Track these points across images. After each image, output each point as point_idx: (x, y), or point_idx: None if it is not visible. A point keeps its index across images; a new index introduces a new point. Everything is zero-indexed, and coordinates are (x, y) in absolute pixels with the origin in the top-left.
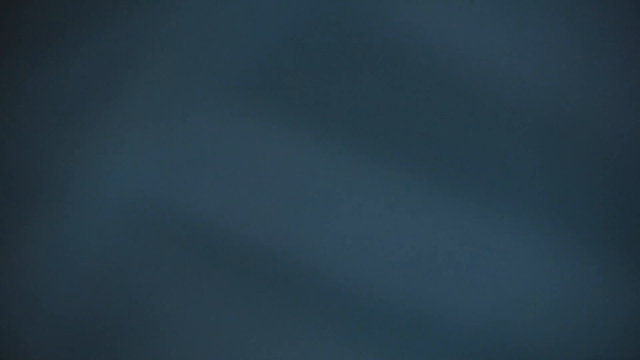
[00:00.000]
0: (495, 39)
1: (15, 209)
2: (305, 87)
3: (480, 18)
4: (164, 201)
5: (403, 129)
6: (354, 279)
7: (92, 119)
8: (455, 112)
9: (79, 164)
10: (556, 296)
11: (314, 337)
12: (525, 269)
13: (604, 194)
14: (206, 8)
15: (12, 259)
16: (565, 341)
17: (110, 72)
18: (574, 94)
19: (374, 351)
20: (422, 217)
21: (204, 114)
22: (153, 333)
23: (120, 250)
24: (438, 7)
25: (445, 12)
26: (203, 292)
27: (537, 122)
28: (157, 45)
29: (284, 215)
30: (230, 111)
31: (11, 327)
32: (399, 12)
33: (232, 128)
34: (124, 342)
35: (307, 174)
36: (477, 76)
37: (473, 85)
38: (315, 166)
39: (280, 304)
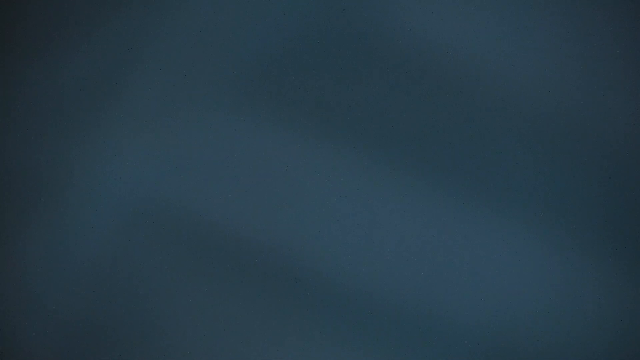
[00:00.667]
0: (496, 40)
1: (15, 209)
2: (305, 87)
3: (480, 19)
4: (164, 200)
5: (403, 128)
6: (354, 278)
7: (92, 118)
8: (455, 112)
9: (79, 163)
10: (556, 296)
11: (315, 337)
12: (525, 268)
13: (604, 194)
14: (206, 8)
15: (13, 258)
16: (565, 341)
17: (109, 72)
18: (574, 94)
19: (374, 351)
20: (422, 217)
21: (204, 113)
22: (153, 332)
23: (120, 249)
24: (438, 7)
25: (446, 12)
26: (202, 291)
27: (538, 122)
28: (157, 45)
29: (284, 214)
30: (230, 111)
31: (11, 326)
32: (399, 12)
33: (232, 128)
34: (124, 341)
35: (307, 173)
36: (478, 76)
37: (473, 85)
38: (316, 166)
39: (280, 303)
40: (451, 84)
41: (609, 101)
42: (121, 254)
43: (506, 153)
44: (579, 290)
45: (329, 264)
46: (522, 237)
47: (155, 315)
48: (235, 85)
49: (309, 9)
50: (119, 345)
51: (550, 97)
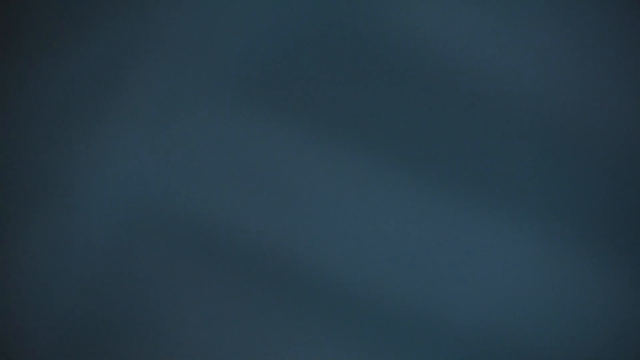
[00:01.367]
0: (496, 40)
1: (17, 207)
2: (305, 87)
3: (480, 19)
4: (166, 198)
5: (404, 128)
6: (354, 277)
7: (93, 118)
8: (455, 111)
9: (79, 163)
10: (556, 296)
11: (315, 335)
12: (525, 268)
13: (604, 195)
14: (206, 8)
15: (13, 258)
16: (565, 340)
17: (110, 72)
18: (574, 94)
19: (375, 350)
20: (423, 217)
21: (204, 113)
22: (154, 330)
23: (123, 247)
24: (438, 7)
25: (446, 11)
26: (204, 290)
27: (538, 122)
28: (157, 45)
29: (284, 214)
30: (231, 110)
31: (14, 325)
32: (399, 12)
33: (232, 128)
34: (126, 338)
35: (307, 172)
36: (478, 77)
37: (473, 85)
38: (316, 165)
39: (280, 302)
40: (451, 84)
41: (609, 100)
42: (123, 252)
43: (506, 152)
44: (579, 289)
45: (329, 262)
46: (522, 236)
47: (157, 312)
48: (236, 85)
49: (309, 9)
50: (121, 342)
51: (550, 97)
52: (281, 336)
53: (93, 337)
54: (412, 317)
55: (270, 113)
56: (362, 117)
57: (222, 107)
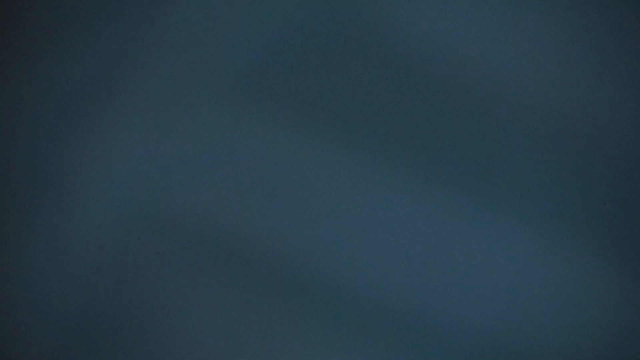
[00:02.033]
0: (496, 40)
1: (15, 208)
2: (304, 86)
3: (480, 19)
4: (165, 198)
5: (404, 128)
6: (355, 277)
7: (93, 118)
8: (457, 111)
9: (79, 162)
10: (557, 296)
11: (315, 336)
12: (527, 268)
13: (605, 195)
14: (205, 7)
15: (13, 257)
16: (567, 341)
17: (109, 71)
18: (574, 93)
19: (375, 351)
20: (424, 217)
21: (204, 113)
22: (153, 331)
23: (122, 247)
24: (438, 7)
25: (446, 11)
26: (203, 289)
27: (538, 121)
28: (157, 44)
29: (284, 213)
30: (230, 110)
31: (12, 325)
32: (399, 12)
33: (232, 127)
34: (125, 338)
35: (306, 172)
36: (478, 76)
37: (473, 85)
38: (315, 165)
39: (280, 302)
40: (452, 84)
41: (610, 100)
42: (123, 252)
43: (507, 153)
44: (581, 289)
45: (329, 262)
46: (523, 237)
47: (156, 312)
48: (235, 85)
49: (309, 9)
50: (119, 342)
51: (551, 97)
52: (280, 336)
53: (92, 338)
54: (413, 317)
55: (270, 113)
56: (361, 116)
57: (222, 107)
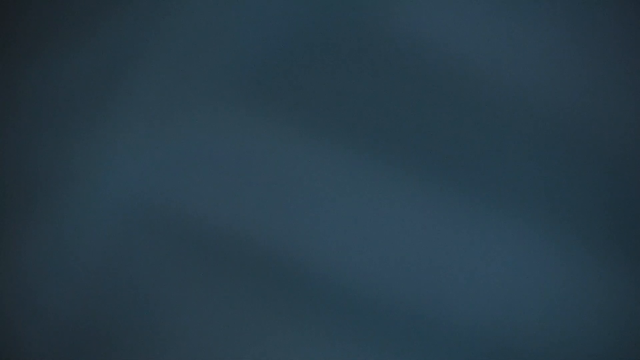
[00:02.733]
0: (497, 40)
1: (14, 209)
2: (304, 86)
3: (481, 19)
4: (163, 200)
5: (404, 128)
6: (354, 277)
7: (91, 118)
8: (457, 111)
9: (78, 164)
10: (558, 296)
11: (315, 336)
12: (528, 268)
13: (606, 195)
14: (206, 7)
15: (12, 258)
16: (568, 341)
17: (108, 72)
18: (575, 93)
19: (375, 351)
20: (423, 217)
21: (203, 113)
22: (152, 332)
23: (119, 250)
24: (439, 7)
25: (446, 12)
26: (202, 291)
27: (539, 122)
28: (156, 45)
29: (283, 214)
30: (229, 111)
31: (11, 327)
32: (399, 12)
33: (231, 128)
34: (123, 341)
35: (306, 172)
36: (478, 76)
37: (474, 85)
38: (315, 165)
39: (279, 303)
40: (453, 84)
41: (610, 99)
42: (120, 254)
43: (507, 153)
44: (582, 290)
45: (329, 263)
46: (524, 236)
47: (154, 315)
48: (235, 85)
49: (308, 9)
50: (117, 344)
51: (552, 96)
52: (280, 337)
53: (89, 340)
54: (414, 318)
55: (270, 113)
56: (362, 116)
57: (221, 107)
